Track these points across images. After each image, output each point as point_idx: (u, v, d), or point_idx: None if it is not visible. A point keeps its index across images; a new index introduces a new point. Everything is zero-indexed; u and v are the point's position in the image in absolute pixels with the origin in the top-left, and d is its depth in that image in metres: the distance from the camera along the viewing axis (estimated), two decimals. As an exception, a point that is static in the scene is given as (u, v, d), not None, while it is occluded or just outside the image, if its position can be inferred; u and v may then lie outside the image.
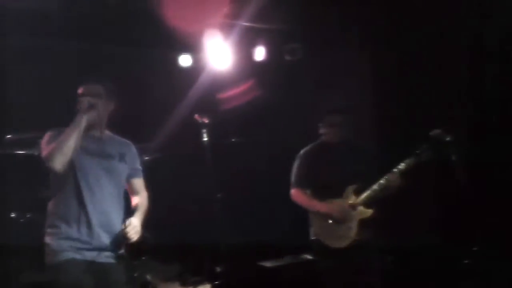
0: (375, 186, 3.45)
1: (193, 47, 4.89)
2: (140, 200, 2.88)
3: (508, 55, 3.68)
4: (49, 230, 2.65)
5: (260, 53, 5.13)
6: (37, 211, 3.88)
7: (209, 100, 4.93)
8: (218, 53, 4.81)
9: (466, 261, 3.17)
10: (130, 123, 4.97)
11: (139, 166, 2.97)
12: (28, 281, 3.87)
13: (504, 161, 3.60)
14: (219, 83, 5.05)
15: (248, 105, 5.12)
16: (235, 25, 4.72)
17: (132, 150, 2.93)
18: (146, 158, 4.48)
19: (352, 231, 3.47)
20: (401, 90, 4.63)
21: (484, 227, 3.47)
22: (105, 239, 2.64)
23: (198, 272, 4.55)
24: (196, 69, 5.06)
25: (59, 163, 2.52)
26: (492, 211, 3.65)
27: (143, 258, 4.28)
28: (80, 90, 2.75)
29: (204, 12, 4.19)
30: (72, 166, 2.60)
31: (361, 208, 3.49)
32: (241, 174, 5.03)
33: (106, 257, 2.64)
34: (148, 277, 4.26)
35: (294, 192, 3.68)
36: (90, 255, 2.59)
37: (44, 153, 2.61)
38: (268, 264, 4.58)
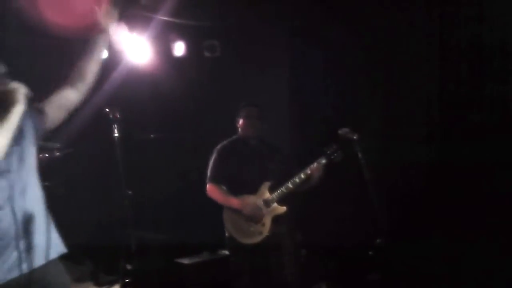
0: (290, 183, 3.48)
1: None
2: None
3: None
4: None
5: (179, 49, 5.07)
6: None
7: (125, 95, 4.79)
8: (135, 46, 4.69)
9: (370, 252, 3.31)
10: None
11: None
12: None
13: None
14: (137, 77, 4.93)
15: (167, 100, 5.05)
16: (153, 19, 4.63)
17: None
18: (57, 154, 4.29)
19: (265, 227, 3.50)
20: (321, 90, 4.75)
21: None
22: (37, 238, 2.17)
23: (111, 271, 4.42)
24: (112, 62, 4.89)
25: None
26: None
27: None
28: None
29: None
30: None
31: (275, 204, 3.53)
32: (156, 170, 4.96)
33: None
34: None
35: (209, 187, 3.66)
36: None
37: None
38: (185, 261, 4.55)
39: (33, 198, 2.22)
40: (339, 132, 3.35)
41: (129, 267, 3.72)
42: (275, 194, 3.52)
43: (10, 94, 2.11)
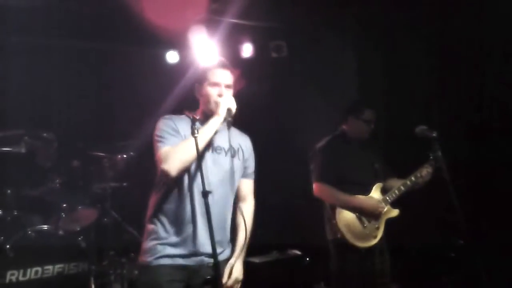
0: (402, 186, 3.33)
1: (180, 44, 4.87)
2: (242, 222, 2.44)
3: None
4: (148, 228, 2.33)
5: (247, 50, 5.14)
6: (22, 209, 3.82)
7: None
8: (204, 49, 4.80)
9: (452, 254, 3.21)
10: (119, 120, 4.95)
11: (252, 164, 2.56)
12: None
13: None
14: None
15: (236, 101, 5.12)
16: (221, 22, 4.72)
17: (248, 144, 2.58)
18: (132, 154, 4.46)
19: (379, 230, 3.29)
20: (385, 89, 4.67)
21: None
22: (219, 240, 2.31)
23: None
24: (183, 66, 5.03)
25: (176, 170, 2.21)
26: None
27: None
28: (217, 82, 2.45)
29: (189, 8, 4.17)
30: None
31: (389, 207, 3.34)
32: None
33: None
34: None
35: (319, 187, 3.37)
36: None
37: (162, 150, 2.25)
38: (256, 260, 4.58)
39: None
40: (416, 130, 3.21)
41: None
42: (389, 196, 3.34)
43: (217, 106, 2.32)
